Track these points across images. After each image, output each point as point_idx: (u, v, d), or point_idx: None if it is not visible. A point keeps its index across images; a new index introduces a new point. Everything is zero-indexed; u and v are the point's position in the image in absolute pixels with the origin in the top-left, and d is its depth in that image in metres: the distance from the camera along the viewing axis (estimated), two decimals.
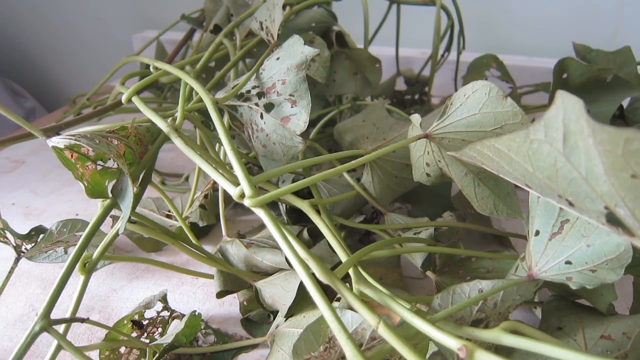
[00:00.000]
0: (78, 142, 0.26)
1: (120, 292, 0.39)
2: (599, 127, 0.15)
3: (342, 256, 0.28)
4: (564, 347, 0.19)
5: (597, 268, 0.23)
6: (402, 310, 0.22)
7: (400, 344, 0.20)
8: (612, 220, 0.17)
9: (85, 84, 1.12)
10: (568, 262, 0.23)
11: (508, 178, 0.21)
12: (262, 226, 0.44)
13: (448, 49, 0.56)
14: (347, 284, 0.23)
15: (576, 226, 0.23)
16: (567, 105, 0.17)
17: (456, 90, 0.41)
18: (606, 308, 0.27)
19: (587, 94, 0.43)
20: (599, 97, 0.43)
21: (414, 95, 0.59)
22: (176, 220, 0.44)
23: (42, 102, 1.11)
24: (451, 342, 0.19)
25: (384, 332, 0.21)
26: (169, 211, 0.46)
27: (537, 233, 0.25)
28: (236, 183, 0.27)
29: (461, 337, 0.21)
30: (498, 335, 0.21)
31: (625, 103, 0.48)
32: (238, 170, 0.25)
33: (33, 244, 0.39)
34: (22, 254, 0.37)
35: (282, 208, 0.41)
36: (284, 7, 0.37)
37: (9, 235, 0.37)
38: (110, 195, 0.31)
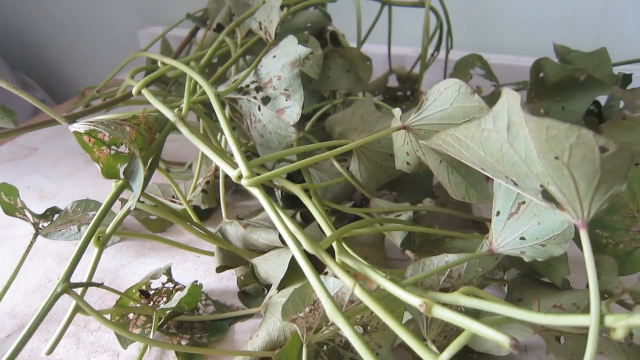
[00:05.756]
0: (96, 128, 0.30)
1: (128, 267, 0.42)
2: (529, 118, 0.18)
3: (329, 234, 0.31)
4: (509, 306, 0.22)
5: (546, 243, 0.26)
6: (376, 276, 0.25)
7: (372, 302, 0.24)
8: (547, 196, 0.21)
9: (91, 77, 1.16)
10: (522, 238, 0.27)
11: (467, 162, 0.24)
12: (259, 211, 0.48)
13: (437, 48, 0.60)
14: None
15: (530, 207, 0.27)
16: (511, 100, 0.20)
17: None
18: (561, 282, 0.31)
19: (562, 92, 0.46)
20: (573, 95, 0.46)
21: (405, 92, 0.63)
22: (179, 205, 0.48)
23: (50, 93, 1.14)
24: (414, 300, 0.23)
25: (359, 292, 0.24)
26: (173, 196, 0.50)
27: (498, 213, 0.28)
28: (235, 167, 0.30)
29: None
30: (457, 297, 0.24)
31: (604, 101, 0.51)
32: (236, 154, 0.29)
33: (49, 222, 0.42)
34: (39, 230, 0.41)
35: (278, 194, 0.45)
36: (281, 8, 0.40)
37: (27, 213, 0.41)
38: (122, 176, 0.34)
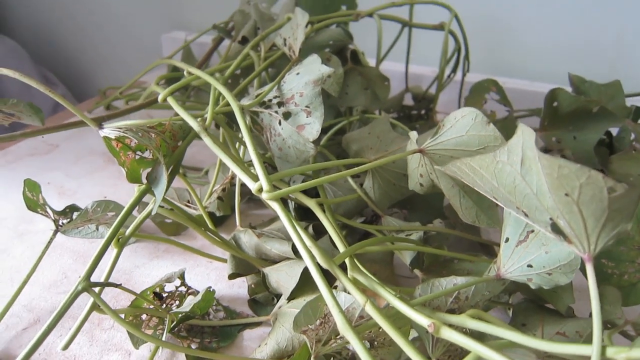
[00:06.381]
0: (125, 134, 0.31)
1: (142, 269, 0.44)
2: (541, 155, 0.20)
3: (342, 249, 0.32)
4: (514, 331, 0.23)
5: (552, 272, 0.27)
6: (386, 294, 0.26)
7: (381, 319, 0.25)
8: (556, 229, 0.22)
9: (111, 76, 1.18)
10: (529, 266, 0.27)
11: (480, 191, 0.25)
12: (272, 220, 0.49)
13: (454, 70, 0.61)
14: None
15: (539, 236, 0.27)
16: (526, 136, 0.21)
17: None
18: (565, 310, 0.31)
19: (575, 122, 0.47)
20: (586, 125, 0.47)
21: (420, 111, 0.64)
22: (194, 210, 0.49)
23: (70, 90, 1.17)
24: (423, 320, 0.24)
25: (369, 309, 0.25)
26: (188, 201, 0.51)
27: (507, 240, 0.29)
28: (255, 178, 0.32)
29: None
30: (464, 319, 0.25)
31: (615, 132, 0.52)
32: (258, 169, 0.30)
33: (68, 220, 0.43)
34: (59, 227, 0.42)
35: (291, 205, 0.46)
36: (305, 25, 0.42)
37: (48, 210, 0.42)
38: (145, 181, 0.35)
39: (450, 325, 0.26)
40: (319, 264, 0.27)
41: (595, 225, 0.20)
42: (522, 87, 0.72)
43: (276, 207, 0.29)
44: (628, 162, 0.46)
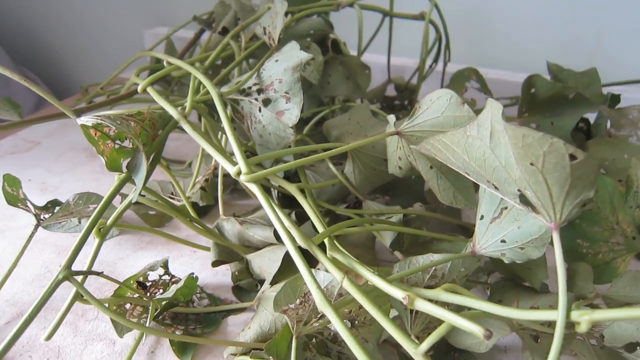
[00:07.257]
0: (103, 122, 0.31)
1: (126, 260, 0.44)
2: (508, 126, 0.20)
3: (321, 231, 0.33)
4: (484, 301, 0.24)
5: (524, 246, 0.27)
6: (363, 270, 0.27)
7: (359, 294, 0.25)
8: (524, 200, 0.22)
9: (94, 74, 1.17)
10: (503, 241, 0.28)
11: (453, 167, 0.26)
12: (255, 209, 0.49)
13: (436, 60, 0.61)
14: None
15: (512, 212, 0.28)
16: (494, 110, 0.22)
17: None
18: (539, 285, 0.32)
19: (552, 108, 0.48)
20: (563, 111, 0.48)
21: (402, 101, 0.65)
22: (178, 201, 0.49)
23: (53, 90, 1.16)
24: (397, 293, 0.24)
25: (347, 285, 0.26)
26: (172, 193, 0.51)
27: (482, 217, 0.30)
28: (235, 164, 0.32)
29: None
30: (438, 293, 0.26)
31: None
32: (236, 152, 0.30)
33: (50, 214, 0.43)
34: (41, 221, 0.42)
35: (275, 194, 0.46)
36: (286, 14, 0.42)
37: (29, 205, 0.42)
38: (125, 170, 0.35)
39: (428, 300, 0.27)
40: (298, 245, 0.28)
41: (559, 194, 0.20)
42: (505, 78, 0.73)
43: (254, 189, 0.29)
44: (603, 146, 0.47)
